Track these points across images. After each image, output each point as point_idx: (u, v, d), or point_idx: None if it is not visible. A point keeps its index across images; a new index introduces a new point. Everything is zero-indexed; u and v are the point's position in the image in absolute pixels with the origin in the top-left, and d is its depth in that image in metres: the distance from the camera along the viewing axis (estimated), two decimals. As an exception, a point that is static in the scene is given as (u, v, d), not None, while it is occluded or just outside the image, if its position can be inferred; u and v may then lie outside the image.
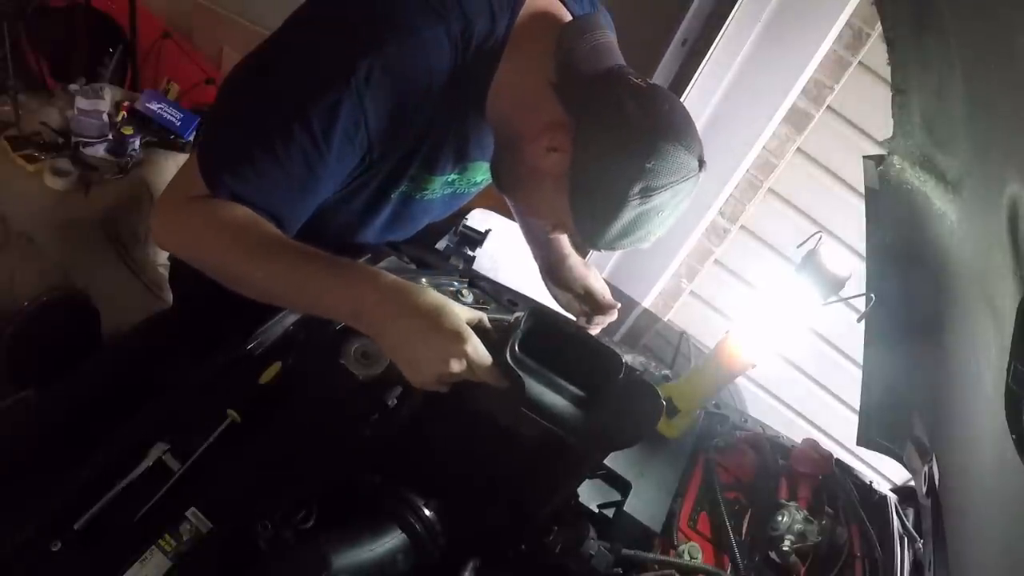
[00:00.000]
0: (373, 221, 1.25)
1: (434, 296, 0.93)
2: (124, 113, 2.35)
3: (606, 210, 0.99)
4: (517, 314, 1.02)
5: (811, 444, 1.36)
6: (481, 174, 1.28)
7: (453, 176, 1.22)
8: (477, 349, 0.90)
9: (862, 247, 1.29)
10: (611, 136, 0.97)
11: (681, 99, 2.45)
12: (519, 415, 0.93)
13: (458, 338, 0.89)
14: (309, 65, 0.99)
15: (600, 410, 0.95)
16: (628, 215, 0.99)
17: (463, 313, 0.93)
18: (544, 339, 0.99)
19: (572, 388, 0.96)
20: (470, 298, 1.34)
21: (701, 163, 1.00)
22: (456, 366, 0.90)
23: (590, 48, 1.04)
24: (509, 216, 1.67)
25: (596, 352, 1.01)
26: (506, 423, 0.96)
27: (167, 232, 1.06)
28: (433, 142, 1.10)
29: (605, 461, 1.10)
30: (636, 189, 0.96)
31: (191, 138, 2.36)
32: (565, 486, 1.05)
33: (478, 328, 0.94)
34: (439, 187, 1.22)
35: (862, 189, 1.26)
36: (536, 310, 1.02)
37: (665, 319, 2.70)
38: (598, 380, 0.97)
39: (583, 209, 1.02)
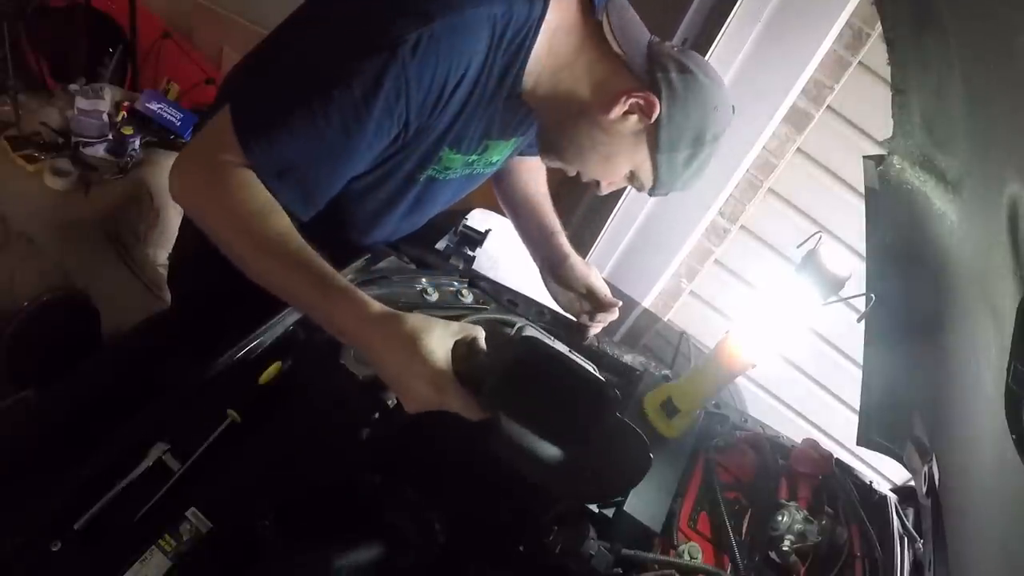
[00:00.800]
0: (398, 206, 1.28)
1: (411, 326, 0.91)
2: (124, 113, 2.35)
3: (689, 156, 1.15)
4: (510, 335, 0.98)
5: (811, 444, 1.36)
6: (497, 154, 1.30)
7: (473, 157, 1.24)
8: (444, 386, 0.90)
9: (862, 247, 1.29)
10: (688, 92, 1.10)
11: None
12: (494, 451, 0.90)
13: (423, 374, 0.90)
14: (355, 31, 1.00)
15: (581, 456, 0.91)
16: (702, 157, 1.16)
17: (447, 334, 0.93)
18: (535, 367, 0.92)
19: (555, 428, 0.91)
20: (470, 298, 1.34)
21: (732, 108, 1.19)
22: (430, 398, 0.91)
23: (634, 22, 1.16)
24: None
25: (589, 385, 0.93)
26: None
27: (185, 190, 1.05)
28: (464, 121, 1.13)
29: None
30: (710, 134, 1.14)
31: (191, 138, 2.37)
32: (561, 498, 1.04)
33: (469, 348, 0.94)
34: (460, 167, 1.24)
35: (862, 189, 1.26)
36: (527, 339, 0.96)
37: (665, 319, 2.70)
38: (587, 418, 0.91)
39: (667, 158, 1.15)
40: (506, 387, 0.90)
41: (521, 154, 1.56)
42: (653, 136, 1.13)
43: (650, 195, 1.24)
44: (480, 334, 0.96)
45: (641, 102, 1.10)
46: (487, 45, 1.04)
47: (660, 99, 1.10)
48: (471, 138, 1.18)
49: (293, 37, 1.11)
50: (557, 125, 1.18)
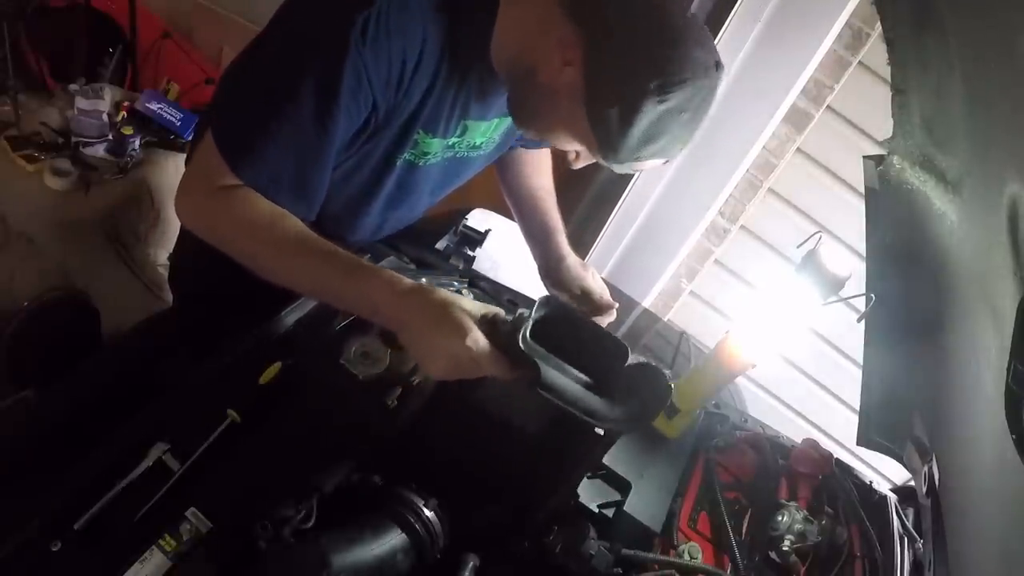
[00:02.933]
0: (378, 194, 1.26)
1: (442, 295, 0.97)
2: (124, 113, 2.35)
3: (625, 111, 0.97)
4: (522, 310, 1.03)
5: (811, 444, 1.36)
6: (480, 136, 1.28)
7: (453, 139, 1.23)
8: (478, 342, 0.94)
9: (862, 247, 1.29)
10: (621, 34, 0.96)
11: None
12: (537, 398, 0.96)
13: (460, 332, 0.94)
14: (305, 31, 1.02)
15: (611, 392, 1.00)
16: (648, 115, 0.97)
17: (473, 308, 0.97)
18: (554, 327, 1.02)
19: (581, 374, 1.00)
20: (470, 298, 1.35)
21: (718, 65, 0.99)
22: (463, 358, 0.94)
23: None
24: (509, 216, 1.67)
25: (603, 340, 1.06)
26: (515, 414, 1.03)
27: (194, 220, 1.11)
28: (435, 102, 1.11)
29: (605, 461, 1.10)
30: (652, 84, 0.94)
31: (191, 138, 2.36)
32: (568, 478, 1.06)
33: (491, 321, 0.98)
34: (440, 150, 1.23)
35: (862, 189, 1.26)
36: (547, 299, 1.04)
37: (665, 319, 2.70)
38: (606, 366, 1.01)
39: (601, 116, 1.00)
40: (535, 342, 0.98)
41: (524, 147, 1.55)
42: (581, 85, 1.00)
43: (605, 162, 1.08)
44: (501, 312, 1.00)
45: (567, 52, 0.99)
46: (446, 15, 1.03)
47: (582, 37, 0.98)
48: (447, 119, 1.16)
49: (258, 47, 1.11)
50: (516, 89, 1.12)
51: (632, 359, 1.04)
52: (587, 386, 1.00)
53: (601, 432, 1.13)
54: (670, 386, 1.03)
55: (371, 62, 1.00)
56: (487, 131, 1.29)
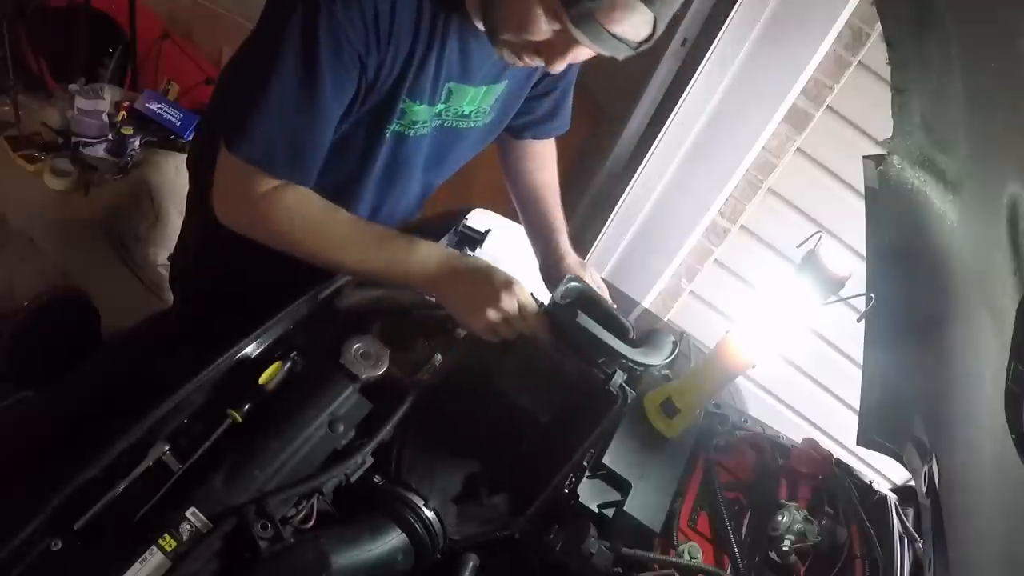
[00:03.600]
0: (369, 171, 1.28)
1: (486, 263, 1.16)
2: (124, 113, 2.35)
3: None
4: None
5: (811, 444, 1.36)
6: (468, 103, 1.28)
7: (440, 106, 1.23)
8: (525, 293, 1.13)
9: (862, 247, 1.29)
10: None
11: (681, 99, 2.48)
12: (577, 337, 1.14)
13: (508, 286, 1.11)
14: (279, 5, 1.06)
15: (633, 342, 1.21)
16: None
17: (513, 276, 1.13)
18: (587, 298, 1.22)
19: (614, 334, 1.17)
20: None
21: None
22: (508, 308, 1.11)
23: None
24: (509, 216, 1.67)
25: (614, 316, 1.24)
26: (530, 400, 1.13)
27: (239, 226, 1.19)
28: (418, 64, 1.13)
29: (605, 461, 1.10)
30: None
31: (191, 138, 2.36)
32: (571, 459, 1.09)
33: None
34: (428, 119, 1.24)
35: (862, 189, 1.26)
36: (572, 278, 1.22)
37: (665, 319, 2.70)
38: (618, 332, 1.19)
39: None
40: (573, 301, 1.18)
41: (528, 134, 1.54)
42: None
43: (572, 25, 0.99)
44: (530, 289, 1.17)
45: None
46: None
47: None
48: (431, 84, 1.17)
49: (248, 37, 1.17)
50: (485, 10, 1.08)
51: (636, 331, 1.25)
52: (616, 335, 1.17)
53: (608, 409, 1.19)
54: (676, 341, 1.26)
55: (345, 20, 1.02)
56: (475, 99, 1.28)
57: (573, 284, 1.20)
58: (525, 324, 1.14)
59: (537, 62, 1.09)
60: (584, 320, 1.14)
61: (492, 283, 1.12)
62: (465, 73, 1.21)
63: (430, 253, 1.16)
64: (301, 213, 1.15)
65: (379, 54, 1.08)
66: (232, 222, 1.19)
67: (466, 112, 1.30)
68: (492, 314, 1.11)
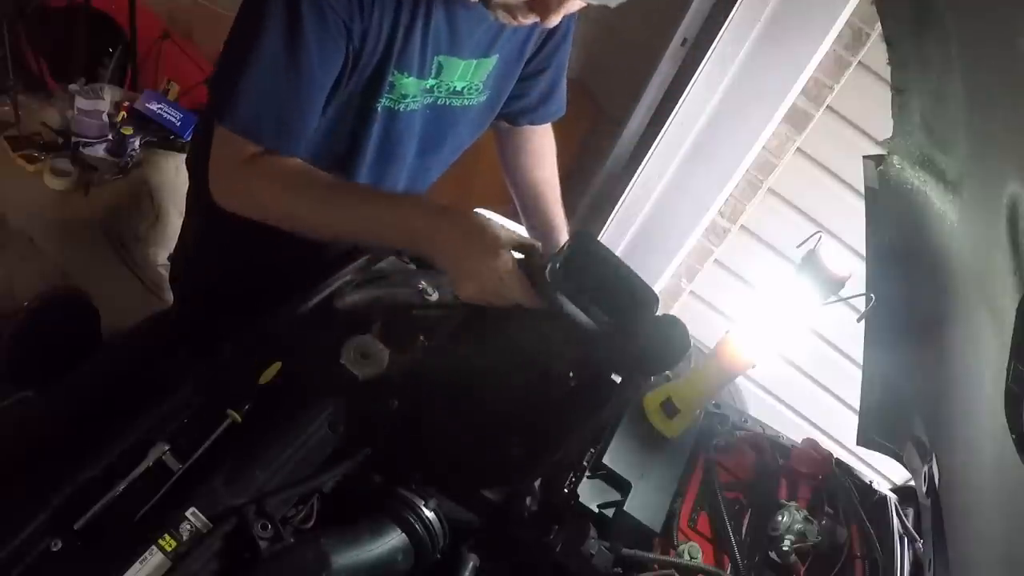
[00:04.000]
0: (363, 150, 1.27)
1: (480, 218, 1.06)
2: (124, 113, 2.35)
3: None
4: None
5: (811, 444, 1.36)
6: (459, 78, 1.28)
7: (431, 81, 1.23)
8: (507, 264, 1.01)
9: (862, 247, 1.29)
10: None
11: (681, 99, 2.49)
12: (553, 327, 1.01)
13: (490, 252, 1.01)
14: None
15: (630, 335, 1.03)
16: None
17: (509, 234, 1.04)
18: (588, 264, 1.04)
19: (604, 315, 1.02)
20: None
21: None
22: (491, 279, 1.01)
23: None
24: (509, 216, 1.67)
25: (634, 284, 1.09)
26: (544, 354, 1.06)
27: (230, 196, 1.17)
28: (404, 35, 1.13)
29: (605, 461, 1.10)
30: None
31: (190, 138, 2.36)
32: (580, 429, 1.07)
33: (523, 248, 1.04)
34: (418, 94, 1.23)
35: (862, 189, 1.26)
36: (582, 235, 1.08)
37: (665, 319, 2.69)
38: (631, 309, 1.05)
39: None
40: (566, 270, 1.00)
41: (524, 119, 1.53)
42: None
43: None
44: (538, 244, 1.06)
45: None
46: None
47: None
48: (420, 56, 1.17)
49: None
50: None
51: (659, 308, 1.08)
52: (609, 326, 1.02)
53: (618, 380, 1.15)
54: (691, 341, 1.08)
55: None
56: (466, 73, 1.27)
57: (570, 248, 1.05)
58: (511, 295, 1.04)
59: (532, 19, 1.10)
60: (569, 309, 1.01)
61: (481, 246, 1.03)
62: (454, 45, 1.21)
63: (416, 205, 1.12)
64: (284, 177, 1.13)
65: (363, 22, 1.08)
66: (221, 194, 1.16)
67: (458, 88, 1.29)
68: (477, 284, 1.03)
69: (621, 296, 1.04)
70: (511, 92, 1.42)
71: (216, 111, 1.11)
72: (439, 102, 1.29)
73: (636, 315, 1.04)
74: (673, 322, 1.08)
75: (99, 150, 2.21)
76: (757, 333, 1.19)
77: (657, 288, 2.88)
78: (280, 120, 1.12)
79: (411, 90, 1.21)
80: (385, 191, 1.17)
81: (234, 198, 1.16)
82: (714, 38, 2.37)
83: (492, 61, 1.30)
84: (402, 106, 1.23)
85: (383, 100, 1.20)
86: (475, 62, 1.27)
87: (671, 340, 1.06)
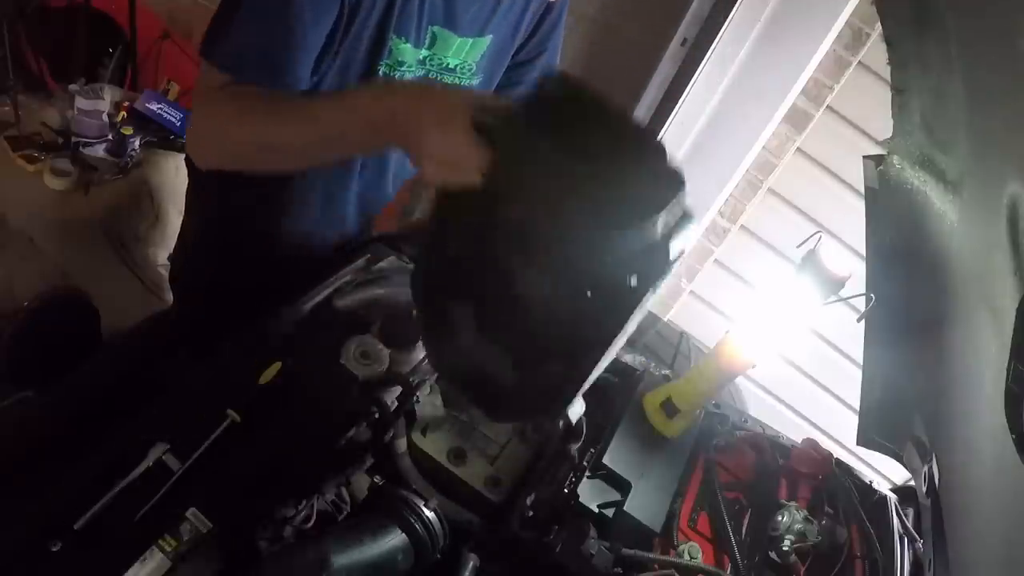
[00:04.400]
0: None
1: (434, 86, 1.05)
2: (124, 113, 2.35)
3: None
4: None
5: (811, 444, 1.36)
6: (453, 54, 1.27)
7: (424, 51, 1.23)
8: (461, 127, 0.82)
9: (862, 247, 1.29)
10: None
11: (681, 99, 2.49)
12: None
13: (446, 120, 0.85)
14: None
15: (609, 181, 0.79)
16: None
17: (464, 96, 0.98)
18: (569, 110, 0.80)
19: (582, 165, 0.77)
20: None
21: None
22: (443, 150, 0.85)
23: None
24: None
25: (627, 130, 0.85)
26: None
27: (203, 136, 1.13)
28: (402, 1, 1.13)
29: (605, 461, 1.10)
30: None
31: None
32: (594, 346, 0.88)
33: (487, 107, 0.84)
34: (414, 64, 1.23)
35: (862, 189, 1.26)
36: (558, 76, 0.84)
37: (665, 319, 2.70)
38: (617, 161, 0.80)
39: None
40: (543, 124, 0.77)
41: None
42: None
43: None
44: (509, 102, 0.88)
45: None
46: None
47: None
48: (416, 22, 1.17)
49: None
50: None
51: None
52: (583, 177, 0.77)
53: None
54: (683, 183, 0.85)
55: None
56: (460, 51, 1.27)
57: (546, 89, 0.83)
58: (470, 160, 0.83)
59: None
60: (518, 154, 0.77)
61: (439, 115, 0.87)
62: (449, 18, 1.21)
63: (376, 97, 1.00)
64: (250, 98, 1.08)
65: None
66: (193, 139, 1.13)
67: (451, 65, 1.29)
68: (432, 161, 0.87)
69: (610, 144, 0.80)
70: (507, 80, 1.42)
71: (204, 50, 1.10)
72: (431, 75, 1.29)
73: (618, 157, 0.79)
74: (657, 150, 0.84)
75: (99, 150, 2.21)
76: (757, 333, 1.19)
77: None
78: (266, 58, 1.09)
79: (407, 57, 1.21)
80: (347, 90, 1.09)
81: (205, 137, 1.13)
82: (714, 38, 2.37)
83: (486, 41, 1.30)
84: (398, 74, 1.22)
85: (382, 66, 1.20)
86: (470, 41, 1.27)
87: (656, 175, 0.83)
